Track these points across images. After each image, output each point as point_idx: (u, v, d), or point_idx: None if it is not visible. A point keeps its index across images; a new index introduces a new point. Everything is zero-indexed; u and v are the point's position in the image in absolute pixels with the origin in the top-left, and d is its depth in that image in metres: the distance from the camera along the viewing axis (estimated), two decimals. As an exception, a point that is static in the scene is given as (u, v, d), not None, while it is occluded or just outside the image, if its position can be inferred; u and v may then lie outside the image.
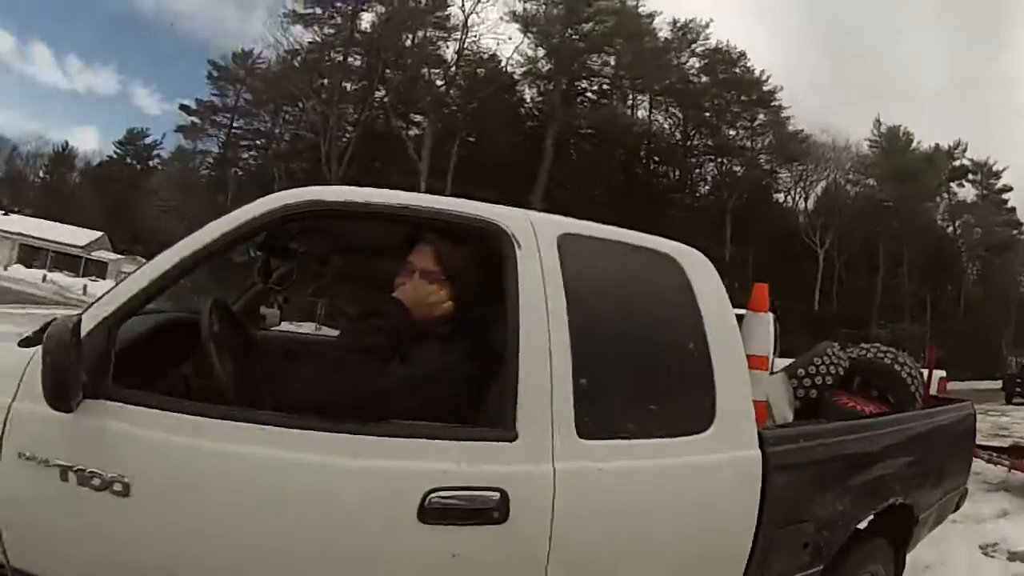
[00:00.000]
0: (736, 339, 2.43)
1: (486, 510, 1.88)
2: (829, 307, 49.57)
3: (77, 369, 1.71)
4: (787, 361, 3.90)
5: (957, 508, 4.26)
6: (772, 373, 3.56)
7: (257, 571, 1.89)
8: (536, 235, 2.16)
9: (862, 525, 2.94)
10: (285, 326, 4.32)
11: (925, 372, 4.21)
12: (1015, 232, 60.65)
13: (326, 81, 47.68)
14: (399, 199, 2.17)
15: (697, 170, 54.56)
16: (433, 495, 1.84)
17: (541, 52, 49.03)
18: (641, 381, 2.23)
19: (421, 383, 2.03)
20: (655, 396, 2.23)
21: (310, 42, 49.00)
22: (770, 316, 2.88)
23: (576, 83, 51.18)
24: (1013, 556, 5.93)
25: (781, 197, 56.26)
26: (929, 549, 5.46)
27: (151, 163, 62.76)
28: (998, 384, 30.38)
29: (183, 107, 57.64)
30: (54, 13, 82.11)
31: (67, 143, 70.16)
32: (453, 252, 2.26)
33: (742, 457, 2.31)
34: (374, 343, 2.00)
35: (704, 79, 51.89)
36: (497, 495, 1.88)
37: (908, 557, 3.63)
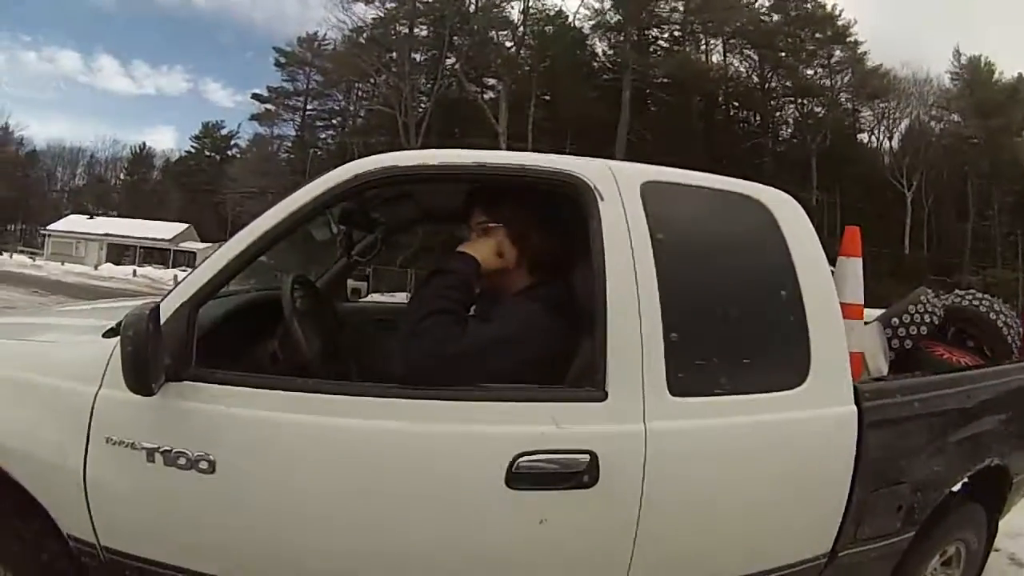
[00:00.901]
0: (830, 286, 2.30)
1: (576, 473, 1.83)
2: (919, 252, 47.47)
3: (157, 353, 1.73)
4: (875, 311, 3.77)
5: None
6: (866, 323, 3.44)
7: (343, 539, 1.90)
8: (618, 184, 2.07)
9: (956, 488, 2.81)
10: (376, 297, 4.37)
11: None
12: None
13: (395, 54, 47.68)
14: (473, 158, 2.11)
15: (778, 113, 52.29)
16: (521, 459, 1.80)
17: (608, 3, 48.03)
18: (733, 334, 2.09)
19: (506, 342, 1.99)
20: (748, 349, 2.11)
21: (373, 18, 49.17)
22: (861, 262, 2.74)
23: (647, 32, 49.75)
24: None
25: (865, 137, 53.79)
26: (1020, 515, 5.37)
27: (229, 153, 64.64)
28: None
29: (255, 96, 59.38)
30: (115, 25, 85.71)
31: (144, 144, 73.74)
32: (499, 200, 2.24)
33: (838, 413, 2.20)
34: (445, 305, 1.96)
35: (776, 18, 49.66)
36: (587, 458, 1.83)
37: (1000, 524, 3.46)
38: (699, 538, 2.07)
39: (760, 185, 2.37)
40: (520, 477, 1.80)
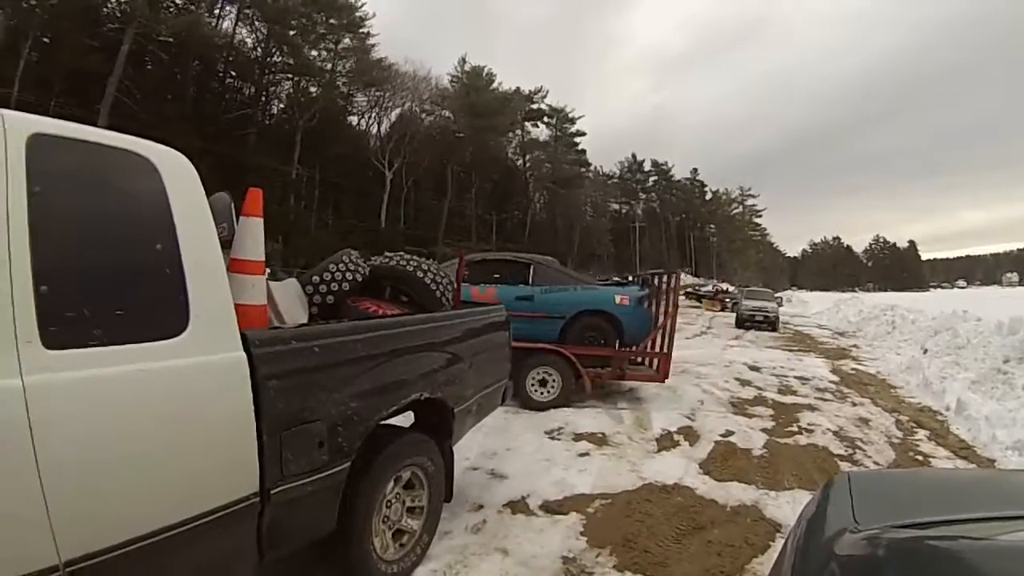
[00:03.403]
0: (212, 241, 2.35)
1: None
2: (396, 227, 51.77)
3: None
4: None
5: (504, 401, 4.70)
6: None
7: None
8: (4, 132, 1.92)
9: (388, 420, 3.10)
10: None
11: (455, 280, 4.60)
12: (582, 170, 73.49)
13: None
14: None
15: (273, 88, 52.19)
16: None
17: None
18: (107, 286, 2.06)
19: None
20: (123, 301, 2.07)
21: None
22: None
23: (165, -15, 45.49)
24: (578, 436, 6.75)
25: (355, 120, 56.50)
26: (495, 438, 6.20)
27: None
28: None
29: None
30: None
31: None
32: None
33: (224, 359, 2.29)
34: None
35: (298, -4, 48.87)
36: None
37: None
38: (113, 491, 1.97)
39: (151, 142, 2.32)
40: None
